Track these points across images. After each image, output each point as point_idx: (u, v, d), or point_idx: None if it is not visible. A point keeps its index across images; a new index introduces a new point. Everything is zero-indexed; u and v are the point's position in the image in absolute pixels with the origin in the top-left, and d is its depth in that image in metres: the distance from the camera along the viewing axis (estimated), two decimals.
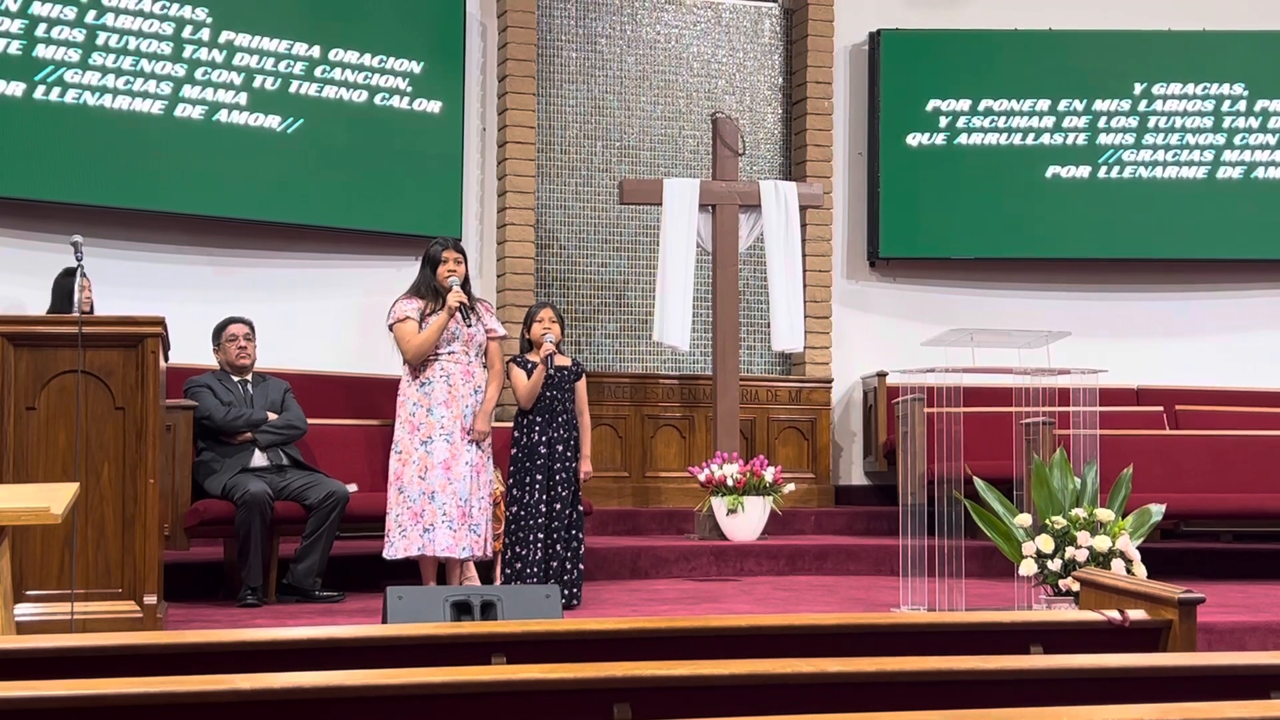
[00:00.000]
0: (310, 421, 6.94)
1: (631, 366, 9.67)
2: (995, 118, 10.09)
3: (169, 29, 8.37)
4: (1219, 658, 3.28)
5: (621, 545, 7.78)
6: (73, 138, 8.05)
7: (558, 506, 6.29)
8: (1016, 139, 10.10)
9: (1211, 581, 7.11)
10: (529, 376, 6.38)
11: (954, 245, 10.07)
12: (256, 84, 8.63)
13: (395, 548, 6.16)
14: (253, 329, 6.92)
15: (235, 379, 6.80)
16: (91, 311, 6.98)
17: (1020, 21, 10.16)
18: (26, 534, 4.96)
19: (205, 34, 8.48)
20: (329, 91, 8.86)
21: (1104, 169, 10.12)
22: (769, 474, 8.07)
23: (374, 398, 8.11)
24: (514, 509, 6.31)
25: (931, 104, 10.08)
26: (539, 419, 6.37)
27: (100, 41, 8.14)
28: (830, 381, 9.75)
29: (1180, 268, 10.33)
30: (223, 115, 8.53)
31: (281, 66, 8.71)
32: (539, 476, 6.28)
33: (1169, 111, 10.14)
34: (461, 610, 4.47)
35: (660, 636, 3.36)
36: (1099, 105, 10.12)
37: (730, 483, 8.02)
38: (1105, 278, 10.36)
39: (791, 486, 8.30)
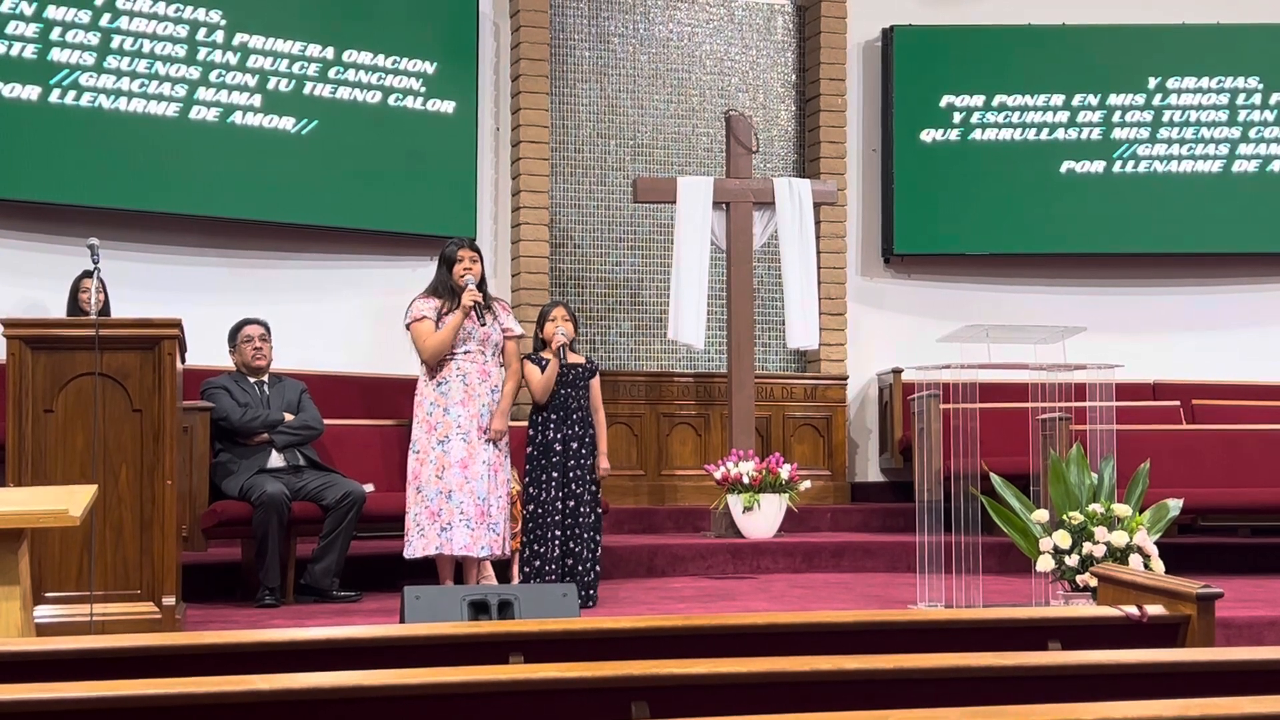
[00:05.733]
0: (327, 422, 6.96)
1: (646, 365, 9.66)
2: (1009, 113, 10.07)
3: (183, 32, 8.39)
4: (1238, 653, 3.26)
5: (638, 543, 7.79)
6: (88, 141, 8.08)
7: (573, 505, 6.29)
8: (1031, 134, 10.08)
9: (1229, 576, 7.09)
10: (543, 371, 6.38)
11: (969, 241, 10.05)
12: (271, 86, 8.65)
13: (414, 547, 6.18)
14: (268, 330, 6.94)
15: (251, 380, 6.82)
16: (105, 314, 7.00)
17: (1034, 16, 10.13)
18: (45, 536, 4.98)
19: (219, 36, 8.50)
20: (343, 93, 8.88)
21: (1119, 164, 10.09)
22: (785, 471, 8.06)
23: (391, 398, 8.12)
24: (530, 507, 6.31)
25: (945, 100, 10.05)
26: (553, 417, 6.37)
27: (115, 45, 8.17)
28: (845, 378, 9.73)
29: (1196, 262, 10.29)
30: (237, 117, 8.55)
31: (295, 68, 8.73)
32: (554, 474, 6.29)
33: (1184, 105, 10.11)
34: (479, 609, 4.48)
35: (677, 635, 3.36)
36: (1113, 100, 10.09)
37: (746, 480, 8.02)
38: (1120, 272, 10.33)
39: (807, 484, 8.30)
